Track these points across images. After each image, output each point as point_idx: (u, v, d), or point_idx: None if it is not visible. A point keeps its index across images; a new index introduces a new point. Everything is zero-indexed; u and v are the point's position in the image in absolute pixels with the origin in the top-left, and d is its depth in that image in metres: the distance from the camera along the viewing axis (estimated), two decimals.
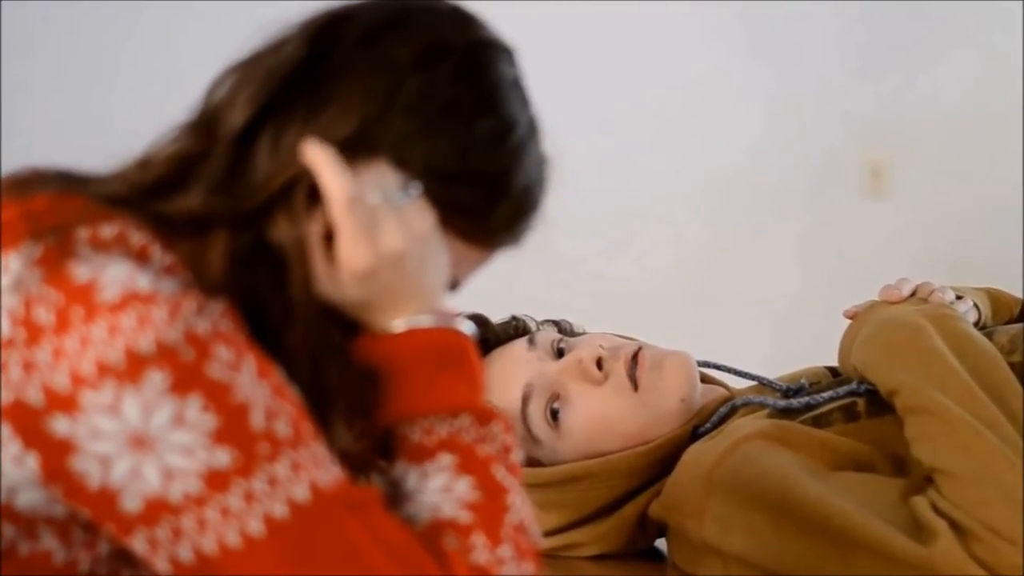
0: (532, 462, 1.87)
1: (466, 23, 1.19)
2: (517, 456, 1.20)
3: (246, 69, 1.16)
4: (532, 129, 1.21)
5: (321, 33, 1.16)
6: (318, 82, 1.14)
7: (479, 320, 1.95)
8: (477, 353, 1.22)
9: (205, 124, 1.15)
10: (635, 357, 1.88)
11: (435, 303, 1.19)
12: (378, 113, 1.13)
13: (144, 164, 1.15)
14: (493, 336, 1.95)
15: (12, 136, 2.33)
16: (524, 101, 1.21)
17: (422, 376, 1.17)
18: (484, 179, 1.18)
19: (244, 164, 1.13)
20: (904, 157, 3.33)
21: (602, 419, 1.86)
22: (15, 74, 2.53)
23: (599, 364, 1.87)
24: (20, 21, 2.54)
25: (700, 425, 1.88)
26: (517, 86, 1.21)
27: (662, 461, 1.86)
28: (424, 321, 1.18)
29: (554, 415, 1.87)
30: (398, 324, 1.17)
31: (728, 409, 1.87)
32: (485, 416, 1.18)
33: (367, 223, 1.13)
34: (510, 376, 1.89)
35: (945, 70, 3.35)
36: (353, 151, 1.13)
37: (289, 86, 1.14)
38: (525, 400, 1.87)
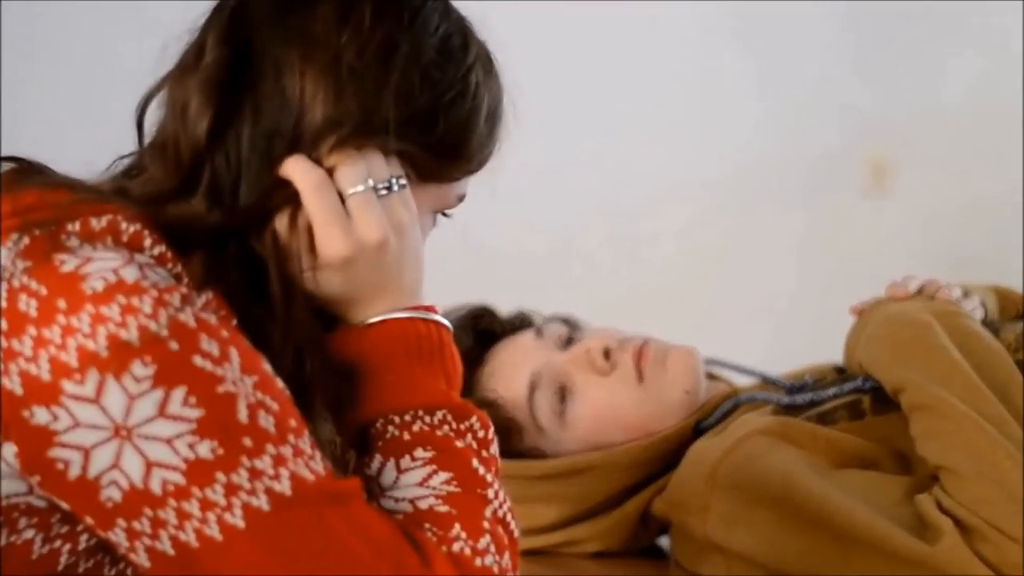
0: (534, 453, 1.88)
1: None
2: (494, 450, 1.19)
3: (177, 87, 1.16)
4: (463, 26, 1.21)
5: (231, 30, 1.15)
6: (256, 81, 1.14)
7: (486, 311, 1.97)
8: (454, 346, 1.21)
9: (166, 153, 1.15)
10: (641, 349, 1.88)
11: (413, 299, 1.19)
12: (335, 90, 1.13)
13: (120, 192, 1.15)
14: (500, 327, 1.96)
15: (13, 136, 2.33)
16: (445, 7, 1.21)
17: (397, 369, 1.17)
18: (455, 100, 1.17)
19: (221, 180, 1.13)
20: (905, 154, 3.32)
21: (607, 410, 1.87)
22: (16, 72, 2.54)
23: (606, 355, 1.87)
24: (21, 19, 2.55)
25: (703, 420, 1.88)
26: None
27: (664, 456, 1.86)
28: (401, 315, 1.18)
29: (560, 405, 1.88)
30: (375, 318, 1.18)
31: (732, 405, 1.87)
32: (462, 411, 1.18)
33: (340, 211, 1.13)
34: (517, 364, 1.90)
35: (947, 66, 3.35)
36: (333, 137, 1.13)
37: (229, 92, 1.13)
38: (532, 389, 1.88)
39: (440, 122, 1.17)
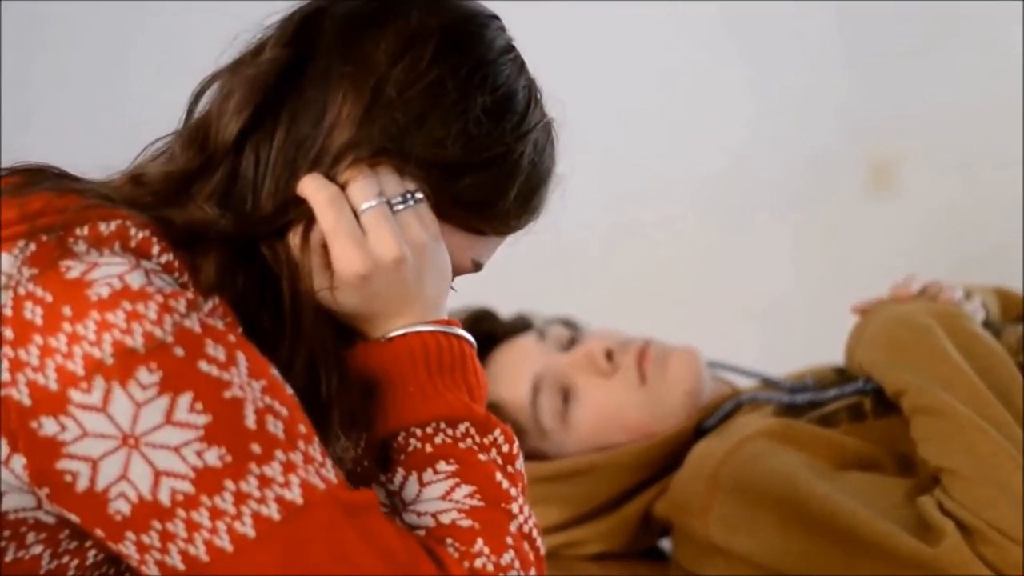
0: (536, 455, 1.89)
1: (440, 2, 1.17)
2: (520, 465, 1.17)
3: (228, 77, 1.15)
4: (531, 96, 1.19)
5: (297, 35, 1.15)
6: (302, 90, 1.13)
7: (487, 313, 1.97)
8: (477, 361, 1.19)
9: (197, 138, 1.14)
10: (643, 350, 1.89)
11: (435, 313, 1.17)
12: (366, 115, 1.12)
13: (137, 179, 1.14)
14: (501, 329, 1.97)
15: (14, 135, 2.33)
16: (519, 68, 1.19)
17: (418, 382, 1.15)
18: (490, 163, 1.15)
19: (242, 180, 1.13)
20: (905, 154, 3.32)
21: (609, 412, 1.88)
22: (17, 71, 2.54)
23: (608, 356, 1.88)
24: (23, 17, 2.55)
25: (704, 420, 1.88)
26: (507, 53, 1.18)
27: (665, 457, 1.87)
28: (422, 328, 1.16)
29: (563, 407, 1.89)
30: (395, 332, 1.16)
31: (733, 405, 1.88)
32: (485, 424, 1.16)
33: (353, 227, 1.12)
34: (520, 367, 1.91)
35: (947, 65, 3.34)
36: (351, 157, 1.12)
37: (274, 94, 1.13)
38: (535, 391, 1.89)
39: (466, 177, 1.15)
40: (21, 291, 1.02)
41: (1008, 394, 1.65)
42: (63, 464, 1.01)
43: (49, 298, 1.02)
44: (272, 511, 1.02)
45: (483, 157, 1.15)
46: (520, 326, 1.98)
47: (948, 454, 1.60)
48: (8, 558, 1.06)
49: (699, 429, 1.88)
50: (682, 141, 3.19)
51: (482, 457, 1.14)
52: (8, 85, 2.59)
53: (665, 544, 1.91)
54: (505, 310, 2.01)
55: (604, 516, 1.89)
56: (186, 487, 1.01)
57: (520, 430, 1.87)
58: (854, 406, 1.78)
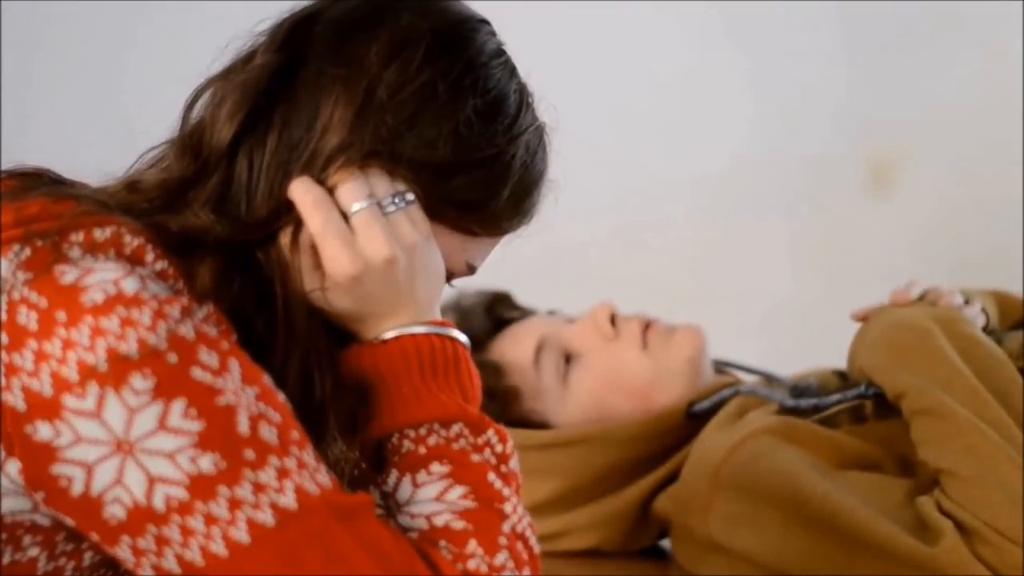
0: (532, 417, 1.91)
1: (431, 6, 1.17)
2: (513, 464, 1.17)
3: (220, 84, 1.15)
4: (523, 99, 1.19)
5: (288, 40, 1.15)
6: (294, 94, 1.13)
7: (505, 296, 2.01)
8: (471, 361, 1.20)
9: (191, 144, 1.15)
10: (649, 323, 1.94)
11: (428, 314, 1.17)
12: (357, 118, 1.12)
13: (132, 186, 1.15)
14: (518, 313, 2.01)
15: (14, 135, 2.33)
16: (509, 71, 1.19)
17: (412, 383, 1.15)
18: (481, 164, 1.16)
19: (236, 185, 1.13)
20: (905, 155, 3.32)
21: (609, 373, 1.92)
22: (17, 71, 2.54)
23: (612, 321, 1.93)
24: (23, 17, 2.55)
25: (697, 402, 1.89)
26: (498, 57, 1.19)
27: (660, 435, 1.88)
28: (415, 330, 1.16)
29: (564, 367, 1.91)
30: (388, 333, 1.16)
31: (731, 392, 1.88)
32: (479, 425, 1.16)
33: (342, 228, 1.12)
34: (527, 331, 1.95)
35: (947, 65, 3.34)
36: (341, 159, 1.12)
37: (266, 99, 1.13)
38: (538, 350, 1.93)
39: (458, 178, 1.15)
40: (15, 295, 1.03)
41: (1007, 396, 1.66)
42: (58, 469, 1.01)
43: (43, 303, 1.02)
44: (266, 516, 1.02)
45: (474, 158, 1.15)
46: (533, 312, 2.03)
47: (947, 455, 1.61)
48: (5, 560, 1.06)
49: (692, 412, 1.89)
50: (682, 141, 3.19)
51: (475, 458, 1.14)
52: (8, 85, 2.59)
53: (666, 543, 1.91)
54: None
55: (601, 499, 1.89)
56: (180, 493, 1.01)
57: (517, 392, 1.90)
58: (855, 409, 1.79)
